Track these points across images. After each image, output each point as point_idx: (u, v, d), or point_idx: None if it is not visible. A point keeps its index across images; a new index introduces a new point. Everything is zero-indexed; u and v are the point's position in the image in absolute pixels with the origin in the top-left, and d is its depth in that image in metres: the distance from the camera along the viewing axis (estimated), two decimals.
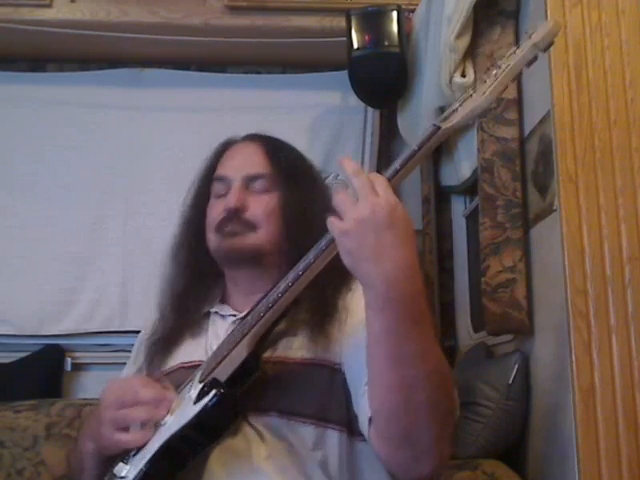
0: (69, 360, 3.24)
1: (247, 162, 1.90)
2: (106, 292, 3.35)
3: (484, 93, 1.45)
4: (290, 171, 1.90)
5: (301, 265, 1.53)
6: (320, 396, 1.66)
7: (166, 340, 1.90)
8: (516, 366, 2.16)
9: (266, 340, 1.63)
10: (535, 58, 1.46)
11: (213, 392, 1.52)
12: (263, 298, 1.62)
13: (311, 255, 1.51)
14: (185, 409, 1.56)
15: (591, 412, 1.79)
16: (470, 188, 3.04)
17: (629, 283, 1.83)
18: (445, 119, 1.49)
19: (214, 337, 1.84)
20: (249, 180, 1.87)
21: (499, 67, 1.48)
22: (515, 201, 2.22)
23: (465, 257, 3.31)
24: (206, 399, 1.52)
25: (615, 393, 1.79)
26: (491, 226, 2.24)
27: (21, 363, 3.20)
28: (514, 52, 1.48)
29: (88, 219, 3.43)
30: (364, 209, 1.37)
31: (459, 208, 3.38)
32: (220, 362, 1.60)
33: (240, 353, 1.58)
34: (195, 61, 3.60)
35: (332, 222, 1.40)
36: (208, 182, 1.96)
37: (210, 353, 1.73)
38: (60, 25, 3.23)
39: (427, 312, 1.46)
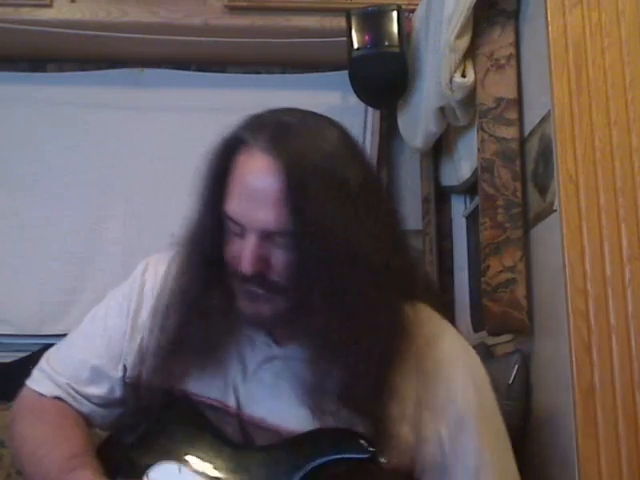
0: None
1: (262, 210, 1.40)
2: (106, 292, 3.33)
3: None
4: (322, 217, 1.38)
5: None
6: None
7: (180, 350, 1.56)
8: (516, 366, 2.16)
9: None
10: None
11: None
12: None
13: None
14: None
15: (591, 412, 1.79)
16: (470, 188, 3.05)
17: (629, 283, 1.83)
18: None
19: (239, 372, 1.57)
20: (267, 234, 1.42)
21: None
22: (515, 201, 2.22)
23: (465, 257, 3.32)
24: None
25: (615, 393, 1.79)
26: (491, 226, 2.24)
27: (21, 363, 3.20)
28: None
29: (88, 219, 3.45)
30: None
31: (459, 208, 3.39)
32: None
33: None
34: (195, 61, 3.61)
35: None
36: (218, 196, 1.49)
37: (234, 394, 1.55)
38: (60, 25, 3.24)
39: None
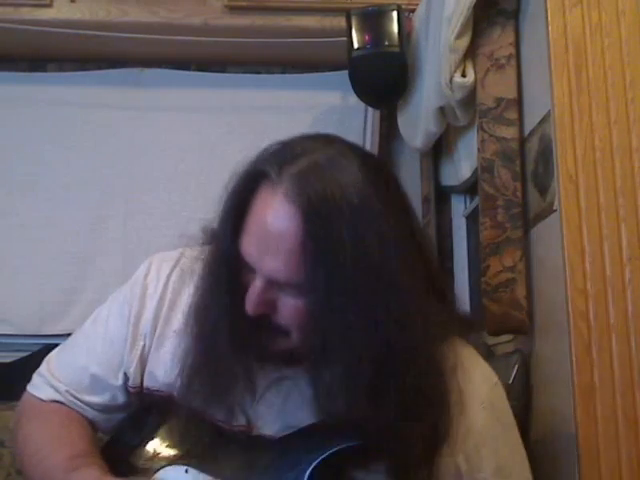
0: None
1: (274, 258, 1.34)
2: (106, 292, 3.32)
3: None
4: (335, 269, 1.30)
5: None
6: None
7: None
8: (516, 366, 2.16)
9: None
10: None
11: None
12: None
13: None
14: None
15: (591, 411, 1.79)
16: (470, 188, 3.04)
17: (629, 283, 1.83)
18: None
19: (247, 395, 1.50)
20: (276, 281, 1.36)
21: None
22: (515, 201, 2.21)
23: (465, 257, 3.31)
24: None
25: (615, 392, 1.79)
26: (491, 226, 2.24)
27: (21, 363, 3.21)
28: None
29: (88, 219, 3.45)
30: None
31: (459, 208, 3.39)
32: None
33: None
34: (195, 61, 3.61)
35: None
36: (236, 227, 1.41)
37: (242, 415, 1.52)
38: (60, 25, 3.24)
39: None
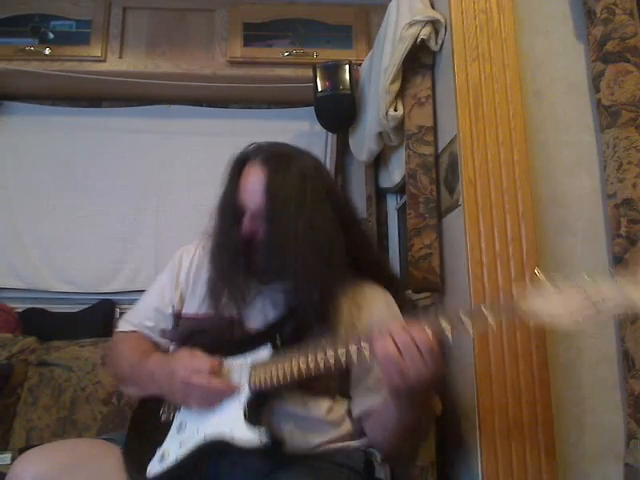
0: (118, 310, 3.27)
1: (252, 194, 1.61)
2: (144, 262, 3.37)
3: None
4: (283, 204, 1.58)
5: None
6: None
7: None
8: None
9: None
10: None
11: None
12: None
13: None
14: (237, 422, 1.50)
15: (485, 346, 1.80)
16: (400, 189, 3.03)
17: (512, 256, 1.84)
18: None
19: (241, 301, 1.68)
20: (256, 213, 1.61)
21: None
22: (432, 198, 2.20)
23: (396, 238, 3.32)
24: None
25: (502, 333, 1.80)
26: (415, 216, 2.23)
27: (84, 312, 3.23)
28: None
29: (130, 210, 3.45)
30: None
31: (392, 203, 3.38)
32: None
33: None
34: (207, 99, 3.59)
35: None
36: (234, 192, 1.67)
37: (237, 313, 1.66)
38: (111, 74, 3.26)
39: (425, 402, 1.54)
